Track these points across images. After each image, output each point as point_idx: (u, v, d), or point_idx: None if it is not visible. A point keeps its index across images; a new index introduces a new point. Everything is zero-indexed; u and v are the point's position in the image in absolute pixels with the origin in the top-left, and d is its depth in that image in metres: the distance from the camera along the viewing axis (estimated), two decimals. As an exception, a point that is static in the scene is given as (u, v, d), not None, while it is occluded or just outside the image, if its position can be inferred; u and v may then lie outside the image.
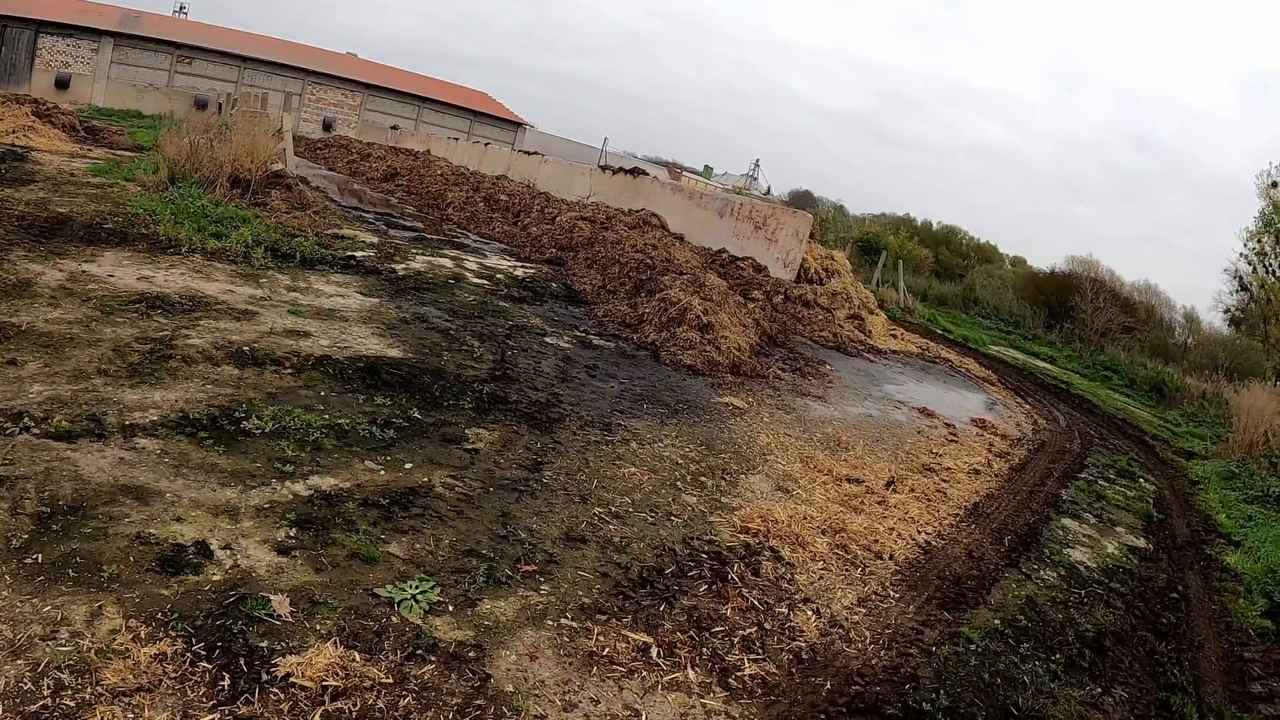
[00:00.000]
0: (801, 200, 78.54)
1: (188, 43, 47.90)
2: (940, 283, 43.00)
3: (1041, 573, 7.44)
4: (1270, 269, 32.17)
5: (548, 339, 10.95)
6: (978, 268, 48.01)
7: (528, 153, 34.08)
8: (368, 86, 55.19)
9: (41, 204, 11.44)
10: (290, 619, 3.97)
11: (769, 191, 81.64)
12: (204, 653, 3.59)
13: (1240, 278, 33.54)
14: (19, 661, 3.29)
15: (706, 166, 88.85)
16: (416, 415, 7.01)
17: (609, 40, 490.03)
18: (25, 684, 3.18)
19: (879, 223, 56.50)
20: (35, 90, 35.67)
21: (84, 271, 8.72)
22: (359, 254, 13.23)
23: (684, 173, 73.16)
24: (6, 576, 3.76)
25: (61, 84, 42.26)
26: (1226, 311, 35.16)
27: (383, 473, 5.81)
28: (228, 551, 4.37)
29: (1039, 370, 24.60)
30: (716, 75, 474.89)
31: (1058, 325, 35.52)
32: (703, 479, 7.39)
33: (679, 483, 7.15)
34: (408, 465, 6.04)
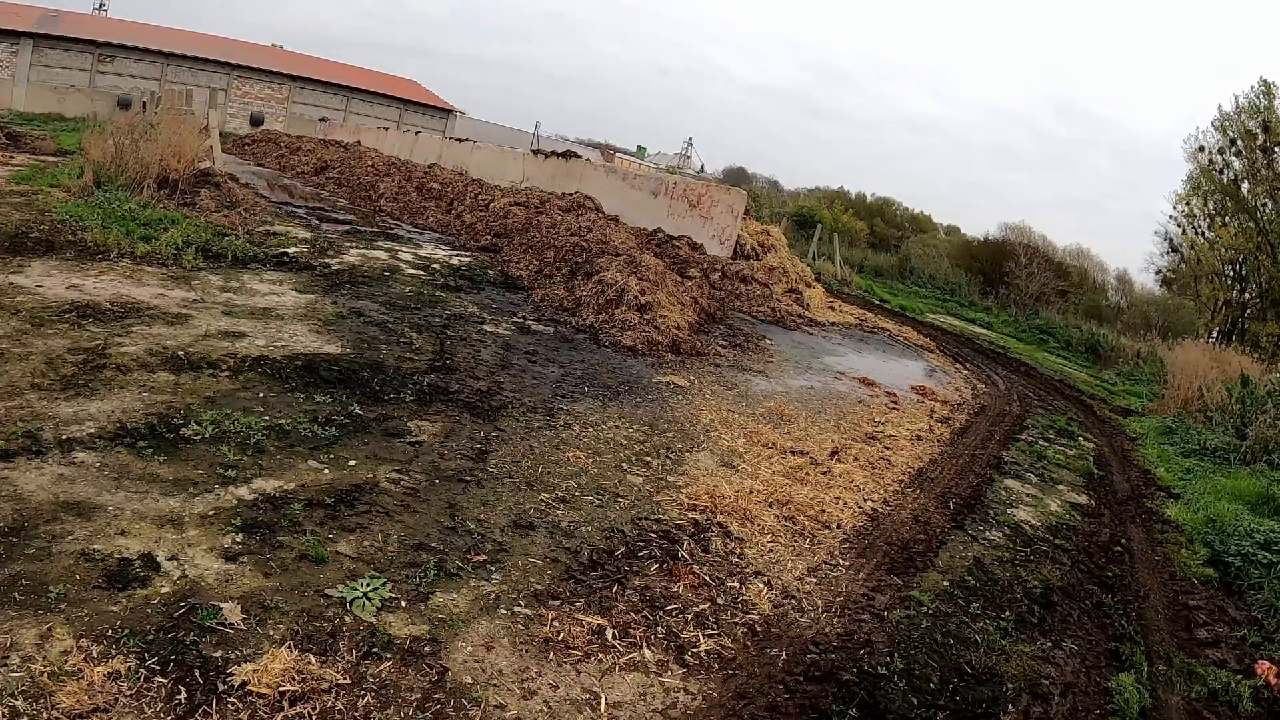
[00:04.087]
0: (736, 177, 79.02)
1: (109, 41, 46.75)
2: (876, 254, 43.61)
3: (987, 533, 7.61)
4: (1199, 230, 33.06)
5: (486, 327, 10.91)
6: (912, 238, 48.69)
7: (459, 140, 33.75)
8: (295, 79, 54.31)
9: (-40, 215, 11.12)
10: (243, 626, 3.93)
11: (703, 170, 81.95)
12: (158, 667, 3.55)
13: (1170, 239, 34.50)
14: (-30, 691, 3.23)
15: (640, 147, 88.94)
16: (358, 411, 6.95)
17: (537, 23, 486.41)
18: (-23, 712, 3.14)
19: (814, 196, 57.16)
20: (-49, 98, 34.57)
21: (10, 283, 8.49)
22: (292, 250, 13.05)
23: (617, 154, 73.08)
24: (-52, 602, 3.69)
25: (-20, 91, 41.03)
26: (1158, 272, 36.17)
27: (327, 471, 5.76)
28: (174, 562, 4.31)
29: (976, 336, 25.05)
30: (646, 55, 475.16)
31: (993, 291, 36.29)
32: (648, 459, 7.44)
33: (624, 464, 7.19)
34: (351, 462, 5.99)
